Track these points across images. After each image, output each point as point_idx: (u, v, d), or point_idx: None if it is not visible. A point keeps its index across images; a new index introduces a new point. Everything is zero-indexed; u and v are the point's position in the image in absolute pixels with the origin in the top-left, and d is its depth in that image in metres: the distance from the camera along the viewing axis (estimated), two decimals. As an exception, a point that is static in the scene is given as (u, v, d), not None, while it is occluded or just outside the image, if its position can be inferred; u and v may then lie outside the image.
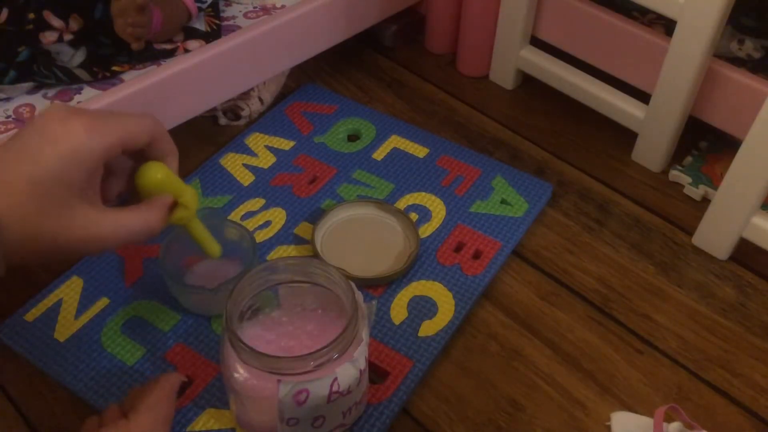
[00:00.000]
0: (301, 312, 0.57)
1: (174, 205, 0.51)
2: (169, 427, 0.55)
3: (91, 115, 0.46)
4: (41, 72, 0.68)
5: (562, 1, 0.82)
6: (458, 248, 0.72)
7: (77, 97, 0.69)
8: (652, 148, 0.80)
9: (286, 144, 0.82)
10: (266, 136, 0.82)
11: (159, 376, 0.57)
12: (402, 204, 0.75)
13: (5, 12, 0.66)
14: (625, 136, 0.82)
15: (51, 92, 0.69)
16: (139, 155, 0.51)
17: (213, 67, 0.74)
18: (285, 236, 0.72)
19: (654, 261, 0.73)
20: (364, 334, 0.53)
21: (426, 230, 0.73)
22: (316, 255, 0.69)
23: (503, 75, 0.92)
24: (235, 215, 0.74)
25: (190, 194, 0.52)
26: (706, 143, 0.83)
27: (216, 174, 0.78)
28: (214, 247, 0.57)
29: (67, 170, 0.44)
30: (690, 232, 0.75)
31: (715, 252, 0.73)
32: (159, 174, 0.50)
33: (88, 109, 0.48)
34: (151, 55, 0.72)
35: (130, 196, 0.52)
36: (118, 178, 0.51)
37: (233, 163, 0.79)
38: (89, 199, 0.46)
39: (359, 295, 0.53)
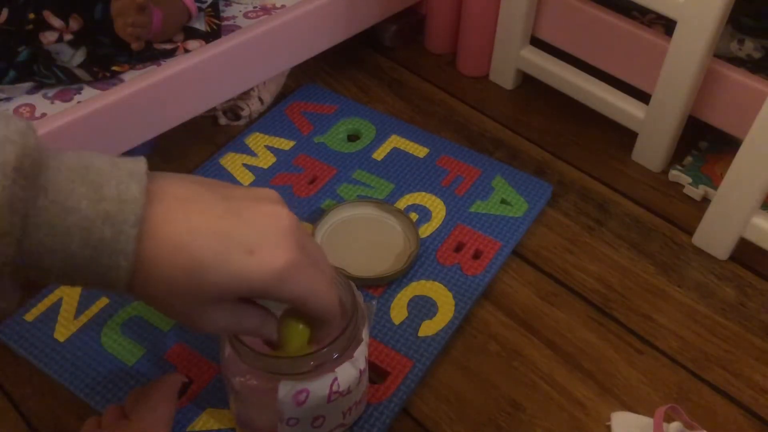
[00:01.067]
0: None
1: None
2: (170, 428, 0.55)
3: (311, 260, 0.43)
4: (41, 72, 0.68)
5: (562, 1, 0.82)
6: (458, 248, 0.72)
7: (77, 97, 0.69)
8: (652, 148, 0.80)
9: (286, 144, 0.82)
10: (266, 136, 0.82)
11: (160, 377, 0.57)
12: (402, 204, 0.75)
13: (5, 12, 0.66)
14: (625, 136, 0.82)
15: (51, 92, 0.69)
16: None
17: (213, 67, 0.74)
18: (285, 236, 0.72)
19: (654, 261, 0.73)
20: (364, 334, 0.53)
21: (426, 230, 0.73)
22: (316, 255, 0.69)
23: (503, 75, 0.92)
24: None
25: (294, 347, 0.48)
26: (706, 143, 0.83)
27: (216, 174, 0.78)
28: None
29: (229, 290, 0.40)
30: (690, 232, 0.75)
31: (715, 252, 0.73)
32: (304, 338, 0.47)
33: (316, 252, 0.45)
34: (151, 55, 0.72)
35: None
36: None
37: (233, 163, 0.79)
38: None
39: (359, 295, 0.53)
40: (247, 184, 0.77)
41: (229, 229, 0.40)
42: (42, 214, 0.36)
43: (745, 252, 0.72)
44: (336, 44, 0.86)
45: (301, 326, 0.47)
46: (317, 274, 0.43)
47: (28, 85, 0.69)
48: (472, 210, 0.75)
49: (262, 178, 0.78)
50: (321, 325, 0.46)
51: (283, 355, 0.48)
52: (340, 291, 0.51)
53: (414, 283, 0.68)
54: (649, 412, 0.60)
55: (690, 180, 0.79)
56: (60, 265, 0.37)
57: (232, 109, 0.85)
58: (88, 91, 0.69)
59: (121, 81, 0.70)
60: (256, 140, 0.82)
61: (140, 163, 0.39)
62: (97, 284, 0.38)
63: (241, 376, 0.51)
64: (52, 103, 0.68)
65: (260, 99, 0.86)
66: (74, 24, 0.69)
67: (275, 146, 0.81)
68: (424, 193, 0.76)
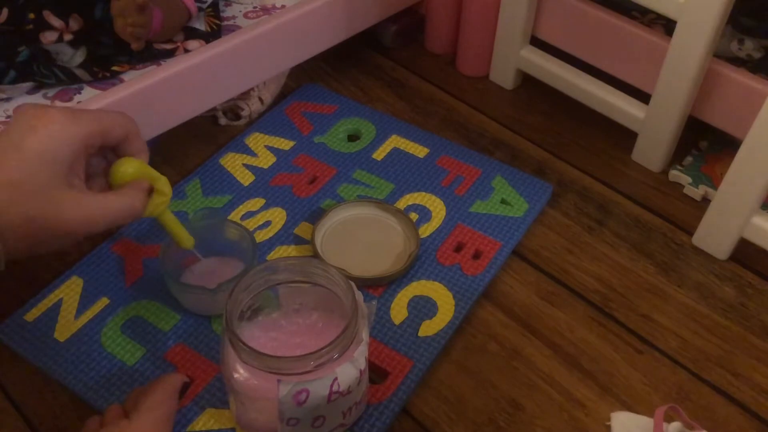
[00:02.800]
0: (301, 312, 0.57)
1: (151, 192, 0.54)
2: (170, 427, 0.55)
3: (67, 107, 0.50)
4: (41, 72, 0.68)
5: (562, 1, 0.82)
6: (458, 248, 0.72)
7: (77, 97, 0.69)
8: (652, 148, 0.80)
9: (286, 144, 0.82)
10: (266, 136, 0.82)
11: (161, 376, 0.57)
12: (402, 204, 0.75)
13: (5, 12, 0.66)
14: (625, 136, 0.82)
15: (51, 92, 0.69)
16: (112, 155, 0.54)
17: (213, 67, 0.74)
18: (285, 236, 0.72)
19: (654, 261, 0.73)
20: (364, 334, 0.53)
21: (426, 230, 0.73)
22: (316, 255, 0.69)
23: (503, 75, 0.92)
24: (235, 215, 0.74)
25: (164, 182, 0.55)
26: (706, 143, 0.83)
27: (216, 174, 0.78)
28: (186, 238, 0.60)
29: (51, 153, 0.47)
30: (690, 232, 0.75)
31: (715, 252, 0.73)
32: (131, 168, 0.53)
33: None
34: (151, 55, 0.72)
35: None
36: (98, 179, 0.53)
37: (233, 163, 0.79)
38: (76, 185, 0.49)
39: (359, 295, 0.53)
40: (247, 184, 0.77)
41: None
42: None
43: (745, 252, 0.72)
44: (336, 44, 0.86)
45: (122, 160, 0.53)
46: (86, 111, 0.50)
47: (28, 85, 0.69)
48: (472, 210, 0.75)
49: (262, 178, 0.78)
50: (133, 147, 0.53)
51: (158, 201, 0.55)
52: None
53: (414, 283, 0.68)
54: (649, 412, 0.60)
55: (690, 180, 0.79)
56: None
57: (232, 109, 0.85)
58: (88, 91, 0.69)
59: (121, 81, 0.70)
60: (256, 140, 0.82)
61: None
62: None
63: (241, 376, 0.51)
64: (52, 103, 0.68)
65: (260, 99, 0.86)
66: (74, 24, 0.69)
67: (275, 146, 0.81)
68: (424, 193, 0.76)
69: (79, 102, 0.68)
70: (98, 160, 0.53)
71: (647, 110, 0.78)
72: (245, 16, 0.80)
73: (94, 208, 0.49)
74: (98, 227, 0.49)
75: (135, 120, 0.54)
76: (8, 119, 0.66)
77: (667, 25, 0.80)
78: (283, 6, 0.81)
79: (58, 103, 0.68)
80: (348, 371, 0.51)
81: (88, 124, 0.49)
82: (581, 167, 0.82)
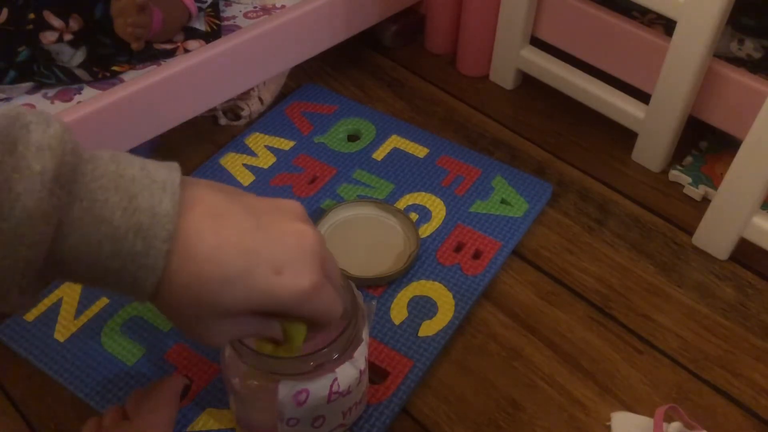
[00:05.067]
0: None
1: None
2: (171, 430, 0.55)
3: (331, 284, 0.43)
4: (41, 72, 0.68)
5: (562, 1, 0.82)
6: (458, 248, 0.72)
7: (77, 97, 0.69)
8: (652, 148, 0.80)
9: (286, 144, 0.82)
10: (266, 136, 0.82)
11: (162, 378, 0.57)
12: (402, 204, 0.75)
13: (5, 12, 0.66)
14: (625, 136, 0.82)
15: (51, 92, 0.69)
16: None
17: (213, 67, 0.74)
18: (285, 236, 0.72)
19: (654, 261, 0.72)
20: (364, 334, 0.53)
21: (426, 230, 0.73)
22: (316, 255, 0.69)
23: (503, 75, 0.92)
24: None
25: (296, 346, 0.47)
26: (706, 143, 0.83)
27: (216, 174, 0.78)
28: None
29: (247, 305, 0.40)
30: (690, 232, 0.75)
31: (715, 252, 0.73)
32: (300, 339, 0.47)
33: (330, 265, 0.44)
34: (151, 55, 0.72)
35: None
36: None
37: (233, 163, 0.79)
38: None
39: (359, 295, 0.53)
40: (247, 184, 0.77)
41: (257, 246, 0.39)
42: (75, 222, 0.36)
43: (745, 252, 0.72)
44: (336, 44, 0.86)
45: (303, 326, 0.47)
46: (333, 291, 0.44)
47: (28, 85, 0.69)
48: (472, 210, 0.75)
49: (262, 178, 0.78)
50: (322, 326, 0.46)
51: (284, 354, 0.48)
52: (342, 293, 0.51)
53: (414, 283, 0.68)
54: (649, 412, 0.60)
55: (690, 180, 0.79)
56: (85, 271, 0.37)
57: (232, 109, 0.85)
58: (88, 91, 0.69)
59: (121, 81, 0.70)
60: (256, 140, 0.82)
61: (174, 173, 0.39)
62: (121, 291, 0.38)
63: (241, 376, 0.51)
64: (52, 103, 0.68)
65: (260, 99, 0.86)
66: (74, 24, 0.69)
67: (275, 146, 0.81)
68: (424, 193, 0.76)
69: (79, 102, 0.68)
70: None
71: (647, 110, 0.78)
72: (245, 16, 0.80)
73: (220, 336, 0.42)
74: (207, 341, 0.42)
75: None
76: (8, 119, 0.66)
77: (667, 25, 0.80)
78: (283, 6, 0.81)
79: (58, 104, 0.68)
80: (348, 371, 0.51)
81: (313, 310, 0.43)
82: (581, 167, 0.82)
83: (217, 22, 0.77)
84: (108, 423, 0.54)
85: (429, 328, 0.65)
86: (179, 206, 0.38)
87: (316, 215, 0.73)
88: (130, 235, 0.36)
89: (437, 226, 0.73)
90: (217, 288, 0.38)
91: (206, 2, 0.77)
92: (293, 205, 0.44)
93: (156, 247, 0.37)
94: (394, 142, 0.82)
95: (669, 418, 0.58)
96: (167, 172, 0.39)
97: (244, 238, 0.39)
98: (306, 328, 0.47)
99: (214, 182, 0.42)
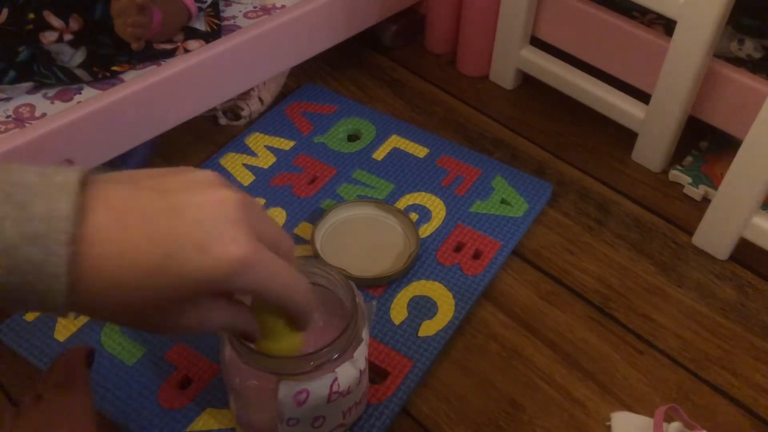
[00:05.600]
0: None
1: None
2: (88, 399, 0.52)
3: (261, 248, 0.39)
4: (41, 72, 0.68)
5: (562, 1, 0.82)
6: (458, 248, 0.72)
7: (77, 97, 0.69)
8: (652, 148, 0.80)
9: (286, 144, 0.82)
10: (266, 136, 0.82)
11: (63, 352, 0.54)
12: (402, 204, 0.75)
13: (5, 12, 0.66)
14: (625, 136, 0.82)
15: (51, 92, 0.69)
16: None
17: (213, 67, 0.74)
18: (285, 236, 0.72)
19: (654, 261, 0.73)
20: (364, 334, 0.53)
21: (426, 230, 0.73)
22: (316, 255, 0.69)
23: (503, 75, 0.92)
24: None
25: (286, 344, 0.47)
26: (706, 143, 0.83)
27: (216, 174, 0.78)
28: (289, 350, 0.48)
29: (189, 283, 0.37)
30: (690, 232, 0.75)
31: (715, 252, 0.73)
32: (283, 348, 0.47)
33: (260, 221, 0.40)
34: (151, 55, 0.72)
35: None
36: None
37: (233, 163, 0.79)
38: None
39: (359, 295, 0.53)
40: (247, 184, 0.77)
41: (172, 230, 0.36)
42: None
43: (745, 252, 0.72)
44: (336, 44, 0.86)
45: (273, 314, 0.45)
46: (275, 259, 0.40)
47: (28, 85, 0.69)
48: (472, 210, 0.75)
49: (262, 178, 0.78)
50: (296, 314, 0.43)
51: (284, 353, 0.47)
52: (325, 284, 0.52)
53: (414, 283, 0.68)
54: (649, 412, 0.60)
55: (690, 180, 0.79)
56: None
57: (232, 109, 0.85)
58: (88, 91, 0.69)
59: (121, 81, 0.70)
60: (256, 140, 0.82)
61: (72, 173, 0.35)
62: (34, 308, 0.35)
63: (241, 376, 0.51)
64: (52, 103, 0.68)
65: (260, 99, 0.86)
66: (74, 24, 0.69)
67: (275, 146, 0.81)
68: (424, 193, 0.76)
69: (79, 102, 0.68)
70: None
71: (647, 110, 0.78)
72: (245, 16, 0.80)
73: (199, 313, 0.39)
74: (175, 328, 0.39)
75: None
76: (8, 119, 0.66)
77: (667, 25, 0.80)
78: (283, 6, 0.81)
79: (58, 104, 0.68)
80: (348, 371, 0.51)
81: (258, 283, 0.39)
82: (581, 167, 0.82)
83: (217, 22, 0.77)
84: (25, 406, 0.52)
85: (429, 328, 0.65)
86: (81, 206, 0.34)
87: (316, 215, 0.73)
88: (25, 246, 0.33)
89: (437, 226, 0.73)
90: (140, 284, 0.36)
91: (206, 2, 0.77)
92: (206, 174, 0.40)
93: (56, 254, 0.33)
94: (394, 142, 0.82)
95: (669, 418, 0.58)
96: (65, 173, 0.35)
97: (157, 225, 0.36)
98: (278, 316, 0.45)
99: (122, 173, 0.39)
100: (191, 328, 0.40)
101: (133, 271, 0.35)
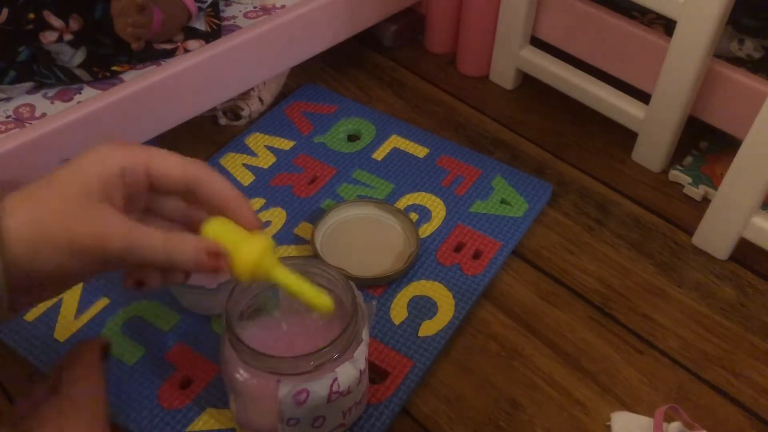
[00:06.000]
0: (301, 312, 0.57)
1: (220, 261, 0.45)
2: (103, 393, 0.52)
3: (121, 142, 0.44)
4: (41, 72, 0.68)
5: (562, 1, 0.82)
6: (458, 248, 0.72)
7: (77, 97, 0.69)
8: (652, 148, 0.80)
9: (286, 144, 0.82)
10: (266, 136, 0.82)
11: (78, 344, 0.54)
12: (402, 204, 0.75)
13: (5, 12, 0.66)
14: (625, 136, 0.82)
15: (51, 92, 0.69)
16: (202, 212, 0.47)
17: (213, 67, 0.74)
18: (285, 236, 0.72)
19: (654, 261, 0.73)
20: (364, 334, 0.53)
21: (426, 230, 0.73)
22: (316, 255, 0.69)
23: (503, 75, 0.92)
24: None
25: (255, 241, 0.45)
26: (706, 143, 0.83)
27: (216, 174, 0.78)
28: (321, 300, 0.46)
29: (84, 174, 0.42)
30: (690, 232, 0.75)
31: (715, 252, 0.73)
32: (211, 231, 0.45)
33: None
34: (151, 55, 0.72)
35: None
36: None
37: (233, 163, 0.79)
38: (113, 206, 0.43)
39: (359, 295, 0.53)
40: (247, 184, 0.77)
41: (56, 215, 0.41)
42: None
43: (745, 252, 0.72)
44: (336, 44, 0.86)
45: (217, 222, 0.45)
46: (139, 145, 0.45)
47: (28, 85, 0.69)
48: (472, 210, 0.75)
49: (262, 178, 0.78)
50: (213, 194, 0.46)
51: (242, 267, 0.45)
52: (337, 290, 0.52)
53: (414, 283, 0.68)
54: (649, 412, 0.60)
55: (690, 180, 0.79)
56: None
57: (232, 109, 0.85)
58: (88, 91, 0.69)
59: (121, 81, 0.70)
60: (256, 140, 0.82)
61: None
62: None
63: (241, 376, 0.51)
64: (52, 103, 0.68)
65: (260, 99, 0.86)
66: (74, 24, 0.69)
67: (275, 146, 0.81)
68: (424, 193, 0.76)
69: (79, 102, 0.68)
70: (177, 208, 0.47)
71: (647, 110, 0.78)
72: (245, 16, 0.80)
73: (117, 228, 0.42)
74: (113, 246, 0.42)
75: (206, 165, 0.46)
76: (8, 119, 0.66)
77: (667, 25, 0.80)
78: (283, 6, 0.81)
79: (58, 104, 0.68)
80: (348, 371, 0.51)
81: (134, 152, 0.44)
82: (581, 167, 0.82)
83: (217, 22, 0.77)
84: (38, 399, 0.52)
85: (429, 328, 0.65)
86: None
87: (316, 215, 0.73)
88: None
89: (437, 226, 0.73)
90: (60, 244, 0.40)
91: (206, 2, 0.77)
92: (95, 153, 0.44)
93: None
94: (394, 142, 0.82)
95: (669, 418, 0.58)
96: None
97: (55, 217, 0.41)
98: (225, 221, 0.46)
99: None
100: (126, 255, 0.43)
101: (51, 239, 0.41)
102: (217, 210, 0.46)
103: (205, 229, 0.45)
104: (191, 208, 0.47)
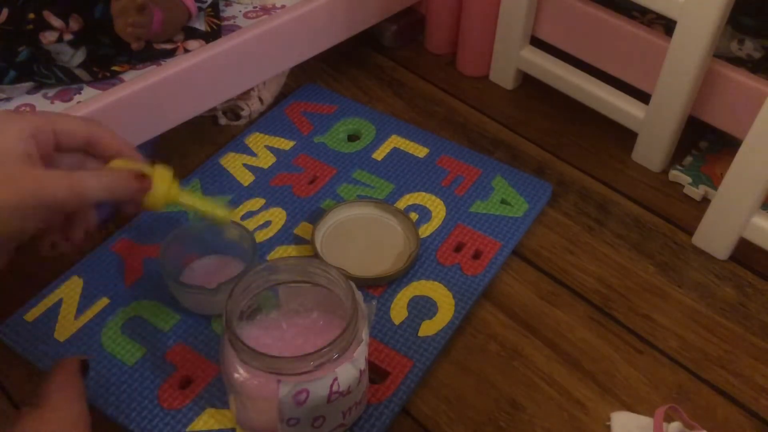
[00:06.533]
0: (301, 312, 0.57)
1: (145, 181, 0.51)
2: (81, 403, 0.53)
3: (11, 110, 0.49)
4: (41, 72, 0.68)
5: (562, 1, 0.82)
6: (458, 248, 0.72)
7: (77, 97, 0.69)
8: (652, 148, 0.80)
9: (286, 144, 0.82)
10: (266, 136, 0.82)
11: (57, 362, 0.56)
12: (402, 204, 0.75)
13: (5, 12, 0.66)
14: (625, 136, 0.82)
15: (51, 92, 0.69)
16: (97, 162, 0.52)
17: (213, 67, 0.74)
18: (285, 236, 0.72)
19: (654, 261, 0.73)
20: (364, 334, 0.53)
21: (426, 230, 0.73)
22: (316, 255, 0.69)
23: (503, 75, 0.92)
24: (235, 215, 0.74)
25: (160, 171, 0.52)
26: (706, 143, 0.83)
27: (216, 174, 0.78)
28: (221, 211, 0.56)
29: (6, 141, 0.45)
30: (690, 232, 0.75)
31: (715, 252, 0.73)
32: (115, 165, 0.51)
33: None
34: (151, 55, 0.72)
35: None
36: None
37: (233, 163, 0.79)
38: (38, 164, 0.47)
39: (359, 295, 0.53)
40: (247, 184, 0.77)
41: None
42: None
43: (745, 252, 0.72)
44: (336, 44, 0.86)
45: (122, 161, 0.51)
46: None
47: (28, 85, 0.69)
48: (472, 210, 0.75)
49: (262, 178, 0.78)
50: (111, 147, 0.51)
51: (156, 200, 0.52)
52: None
53: (414, 283, 0.68)
54: (649, 412, 0.60)
55: (690, 180, 0.79)
56: None
57: (232, 109, 0.85)
58: (88, 91, 0.69)
59: (121, 81, 0.70)
60: (256, 140, 0.82)
61: None
62: None
63: (241, 376, 0.51)
64: (52, 103, 0.68)
65: (260, 99, 0.86)
66: (74, 24, 0.69)
67: (275, 146, 0.81)
68: (424, 193, 0.76)
69: (79, 102, 0.68)
70: (77, 161, 0.52)
71: (647, 110, 0.78)
72: (245, 16, 0.80)
73: (58, 179, 0.46)
74: (63, 199, 0.46)
75: (113, 124, 0.52)
76: (8, 119, 0.66)
77: (667, 25, 0.80)
78: (283, 6, 0.81)
79: (58, 104, 0.68)
80: (348, 371, 0.51)
81: (33, 118, 0.48)
82: (581, 167, 0.82)
83: (217, 22, 0.77)
84: (22, 415, 0.53)
85: (429, 328, 0.65)
86: None
87: (316, 215, 0.73)
88: None
89: (437, 226, 0.73)
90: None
91: (206, 2, 0.77)
92: None
93: None
94: (394, 142, 0.82)
95: (669, 418, 0.58)
96: None
97: None
98: (112, 162, 0.51)
99: None
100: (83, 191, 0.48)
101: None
102: (112, 158, 0.52)
103: (113, 165, 0.51)
104: (87, 161, 0.52)
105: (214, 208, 0.55)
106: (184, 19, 0.74)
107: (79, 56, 0.70)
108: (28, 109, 0.67)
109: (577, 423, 0.60)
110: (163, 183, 0.52)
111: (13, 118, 0.47)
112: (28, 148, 0.47)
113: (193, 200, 0.55)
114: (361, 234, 0.72)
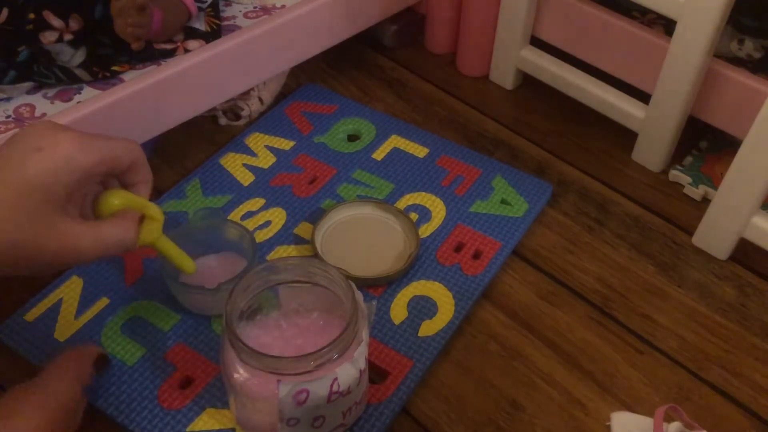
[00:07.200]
0: (301, 312, 0.57)
1: (142, 221, 0.53)
2: (77, 387, 0.54)
3: (79, 132, 0.47)
4: (41, 72, 0.68)
5: (562, 1, 0.82)
6: (458, 248, 0.72)
7: (77, 97, 0.69)
8: (652, 148, 0.80)
9: (286, 144, 0.82)
10: (266, 136, 0.82)
11: (75, 346, 0.58)
12: (402, 204, 0.75)
13: (5, 12, 0.66)
14: (625, 136, 0.82)
15: (51, 92, 0.69)
16: (114, 181, 0.53)
17: (213, 67, 0.74)
18: (285, 236, 0.72)
19: (654, 261, 0.73)
20: (364, 334, 0.53)
21: (426, 230, 0.73)
22: (316, 255, 0.69)
23: (503, 75, 0.92)
24: (235, 215, 0.74)
25: (154, 208, 0.54)
26: (706, 143, 0.83)
27: (216, 174, 0.78)
28: (188, 263, 0.60)
29: (53, 181, 0.45)
30: (690, 232, 0.75)
31: (715, 252, 0.73)
32: (117, 200, 0.52)
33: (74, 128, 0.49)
34: (151, 55, 0.72)
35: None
36: (88, 205, 0.52)
37: (233, 163, 0.79)
38: (70, 213, 0.47)
39: (359, 295, 0.53)
40: (247, 184, 0.77)
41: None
42: None
43: (745, 252, 0.72)
44: (336, 44, 0.86)
45: (120, 195, 0.52)
46: (98, 138, 0.48)
47: (28, 85, 0.69)
48: (472, 210, 0.75)
49: (262, 178, 0.78)
50: (137, 175, 0.52)
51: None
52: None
53: (414, 283, 0.68)
54: (649, 412, 0.60)
55: (690, 180, 0.79)
56: None
57: (232, 109, 0.85)
58: (88, 91, 0.69)
59: (121, 81, 0.70)
60: (256, 140, 0.82)
61: None
62: None
63: (241, 376, 0.51)
64: (52, 103, 0.68)
65: (260, 99, 0.86)
66: (74, 24, 0.69)
67: (275, 146, 0.81)
68: (424, 193, 0.76)
69: (79, 102, 0.68)
70: (94, 186, 0.52)
71: (647, 110, 0.78)
72: (245, 16, 0.80)
73: (85, 239, 0.47)
74: (86, 259, 0.48)
75: (138, 145, 0.52)
76: (8, 119, 0.66)
77: (667, 25, 0.80)
78: (283, 6, 0.81)
79: (58, 104, 0.68)
80: (348, 371, 0.51)
81: (98, 153, 0.47)
82: (581, 167, 0.82)
83: (217, 22, 0.77)
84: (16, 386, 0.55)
85: (429, 328, 0.65)
86: None
87: (316, 215, 0.73)
88: None
89: (437, 226, 0.73)
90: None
91: (206, 2, 0.77)
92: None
93: None
94: (394, 142, 0.82)
95: (669, 418, 0.58)
96: None
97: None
98: (112, 191, 0.52)
99: None
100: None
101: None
102: (127, 184, 0.53)
103: (111, 200, 0.52)
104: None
105: (183, 260, 0.59)
106: (184, 19, 0.74)
107: (79, 56, 0.70)
108: (28, 109, 0.67)
109: (577, 423, 0.60)
110: (157, 228, 0.55)
111: (68, 151, 0.46)
112: (75, 194, 0.48)
113: (168, 248, 0.57)
114: (361, 234, 0.72)
